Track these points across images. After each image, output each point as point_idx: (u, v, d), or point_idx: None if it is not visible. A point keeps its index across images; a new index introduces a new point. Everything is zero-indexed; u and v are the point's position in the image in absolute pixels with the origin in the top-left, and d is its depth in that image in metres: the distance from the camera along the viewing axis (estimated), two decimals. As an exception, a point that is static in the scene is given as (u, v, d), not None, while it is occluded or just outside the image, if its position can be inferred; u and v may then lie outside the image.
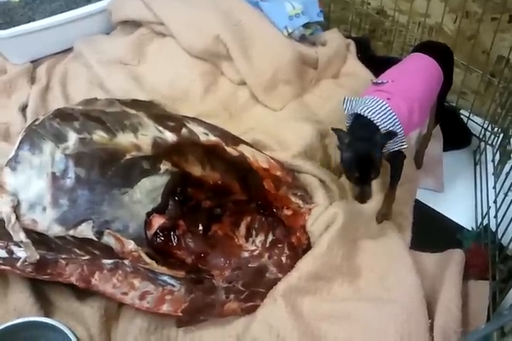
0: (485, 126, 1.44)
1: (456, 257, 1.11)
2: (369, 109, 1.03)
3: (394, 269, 1.11)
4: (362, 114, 1.03)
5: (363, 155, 1.01)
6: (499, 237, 1.16)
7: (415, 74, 1.13)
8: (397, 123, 1.04)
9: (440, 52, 1.21)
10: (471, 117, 1.52)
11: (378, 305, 1.04)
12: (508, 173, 1.20)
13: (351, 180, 1.08)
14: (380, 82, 1.11)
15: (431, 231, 1.26)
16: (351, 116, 1.07)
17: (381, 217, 1.21)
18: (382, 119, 1.02)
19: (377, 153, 1.02)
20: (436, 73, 1.16)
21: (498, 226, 1.18)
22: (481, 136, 1.50)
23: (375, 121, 1.02)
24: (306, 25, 1.60)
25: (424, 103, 1.13)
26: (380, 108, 1.03)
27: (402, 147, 1.08)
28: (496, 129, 1.42)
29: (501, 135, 1.35)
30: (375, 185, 1.22)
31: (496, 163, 1.30)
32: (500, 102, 1.42)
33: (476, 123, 1.53)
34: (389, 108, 1.03)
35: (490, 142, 1.41)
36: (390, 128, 1.02)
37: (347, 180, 1.18)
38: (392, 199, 1.21)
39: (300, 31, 1.59)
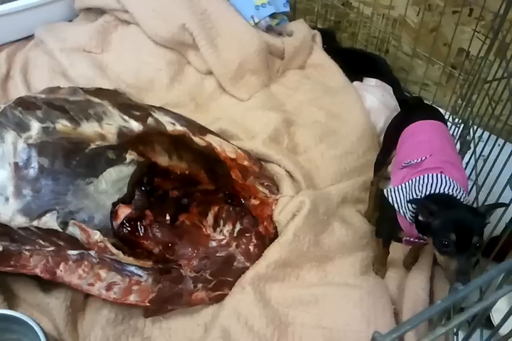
0: (446, 117, 1.48)
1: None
2: (446, 187, 0.91)
3: (361, 254, 1.14)
4: (446, 192, 0.90)
5: (464, 218, 0.86)
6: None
7: (438, 141, 1.04)
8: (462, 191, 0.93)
9: (434, 112, 1.16)
10: (432, 108, 1.55)
11: (345, 290, 1.06)
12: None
13: (446, 252, 0.85)
14: (414, 161, 0.99)
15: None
16: (415, 202, 0.92)
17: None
18: (459, 192, 0.91)
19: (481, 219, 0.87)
20: (446, 130, 1.11)
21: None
22: (442, 127, 1.53)
23: (454, 195, 0.90)
24: (272, 16, 1.60)
25: (458, 162, 1.04)
26: (448, 182, 0.92)
27: None
28: (456, 120, 1.46)
29: (461, 126, 1.39)
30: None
31: (456, 153, 1.33)
32: (460, 94, 1.46)
33: (438, 114, 1.56)
34: (452, 180, 0.93)
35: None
36: (466, 198, 0.93)
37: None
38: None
39: (266, 21, 1.59)
